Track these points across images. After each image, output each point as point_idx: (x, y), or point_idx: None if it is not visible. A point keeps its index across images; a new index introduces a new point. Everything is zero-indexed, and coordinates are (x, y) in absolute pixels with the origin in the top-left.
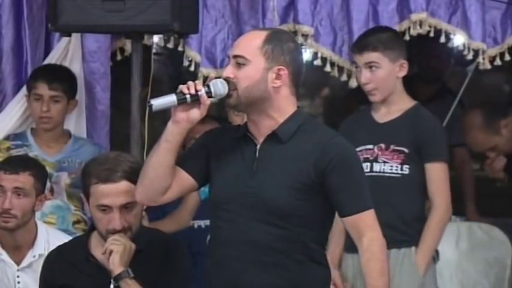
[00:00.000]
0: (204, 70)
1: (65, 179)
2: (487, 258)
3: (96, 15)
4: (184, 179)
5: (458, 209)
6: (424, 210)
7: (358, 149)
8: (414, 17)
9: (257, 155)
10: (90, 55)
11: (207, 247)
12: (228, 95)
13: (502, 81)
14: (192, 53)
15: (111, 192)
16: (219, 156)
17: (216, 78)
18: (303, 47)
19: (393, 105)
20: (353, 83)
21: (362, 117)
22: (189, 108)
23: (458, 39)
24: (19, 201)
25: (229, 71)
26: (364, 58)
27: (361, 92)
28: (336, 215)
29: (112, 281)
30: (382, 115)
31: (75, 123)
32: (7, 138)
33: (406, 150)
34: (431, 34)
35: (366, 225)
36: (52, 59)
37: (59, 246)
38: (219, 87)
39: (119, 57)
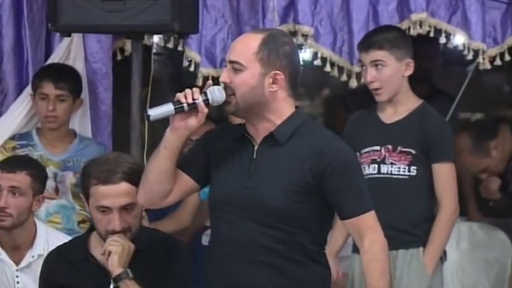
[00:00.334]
0: (204, 70)
1: (70, 178)
2: (487, 258)
3: (96, 15)
4: (185, 181)
5: (460, 209)
6: (432, 211)
7: (365, 150)
8: (414, 17)
9: (254, 156)
10: (92, 55)
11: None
12: (226, 102)
13: (502, 81)
14: (192, 53)
15: (111, 193)
16: (218, 157)
17: (213, 84)
18: (303, 47)
19: (400, 105)
20: (353, 83)
21: (368, 117)
22: (187, 117)
23: (458, 39)
24: (15, 200)
25: (225, 76)
26: (370, 56)
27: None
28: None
29: (111, 281)
30: (389, 115)
31: (80, 123)
32: (13, 138)
33: (413, 151)
34: (431, 34)
35: (367, 227)
36: (54, 59)
37: (59, 246)
38: (217, 95)
39: (119, 57)
